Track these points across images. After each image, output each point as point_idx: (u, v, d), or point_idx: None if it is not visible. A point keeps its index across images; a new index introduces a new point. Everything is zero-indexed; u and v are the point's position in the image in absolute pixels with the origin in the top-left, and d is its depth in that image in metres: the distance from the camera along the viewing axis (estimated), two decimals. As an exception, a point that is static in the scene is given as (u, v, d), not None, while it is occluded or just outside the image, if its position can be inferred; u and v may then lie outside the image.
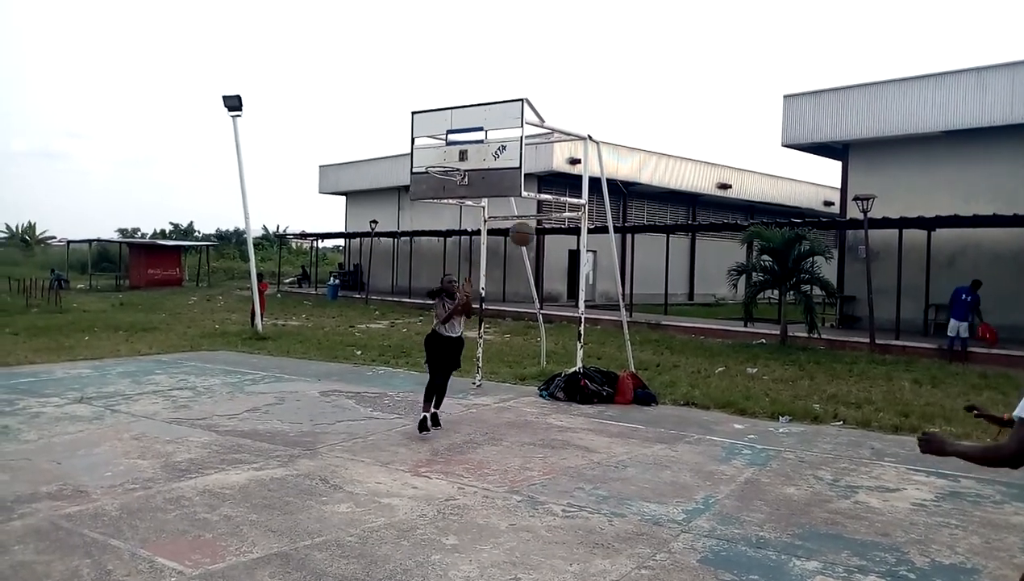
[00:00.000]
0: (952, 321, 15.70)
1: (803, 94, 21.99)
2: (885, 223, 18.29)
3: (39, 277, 32.52)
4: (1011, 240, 18.73)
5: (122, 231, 65.77)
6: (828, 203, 38.31)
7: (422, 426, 8.27)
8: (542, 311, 15.04)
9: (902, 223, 18.12)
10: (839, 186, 22.86)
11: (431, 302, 8.90)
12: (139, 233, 66.05)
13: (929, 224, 18.14)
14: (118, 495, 6.02)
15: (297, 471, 6.82)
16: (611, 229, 12.94)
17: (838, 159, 22.66)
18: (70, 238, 45.86)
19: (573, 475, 6.90)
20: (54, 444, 7.62)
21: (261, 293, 19.48)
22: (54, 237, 61.28)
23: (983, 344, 15.92)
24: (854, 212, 18.80)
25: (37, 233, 65.59)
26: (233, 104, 18.57)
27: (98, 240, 45.53)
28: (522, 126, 10.03)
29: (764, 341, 18.30)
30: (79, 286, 38.68)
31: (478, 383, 11.67)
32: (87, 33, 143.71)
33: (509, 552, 5.01)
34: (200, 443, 7.75)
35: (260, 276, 19.91)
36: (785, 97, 22.22)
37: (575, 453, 7.74)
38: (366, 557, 4.87)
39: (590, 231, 12.10)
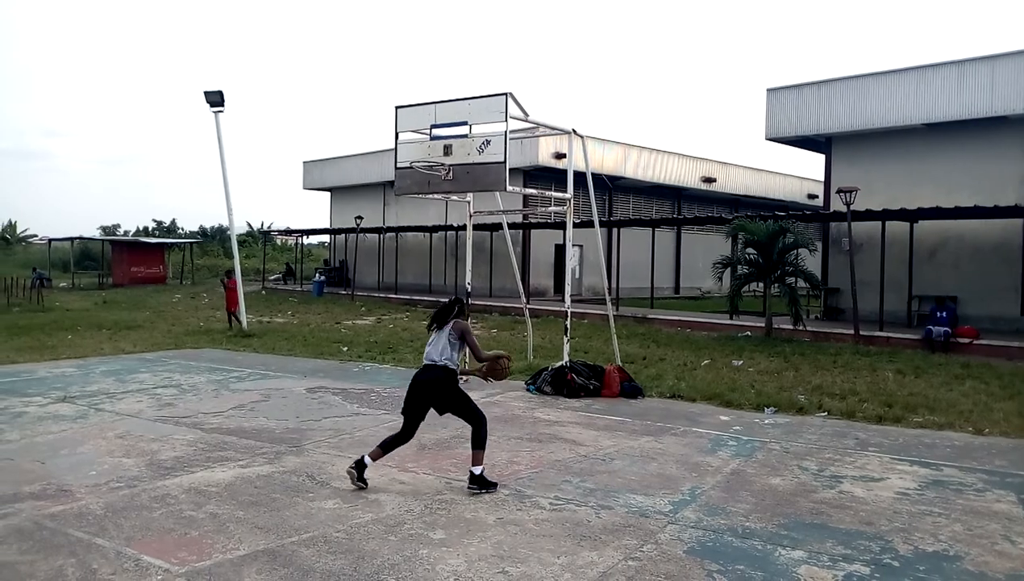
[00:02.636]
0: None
1: (786, 88, 22.09)
2: (868, 215, 18.41)
3: (20, 276, 32.21)
4: (992, 232, 18.91)
5: (104, 229, 65.17)
6: (812, 196, 38.54)
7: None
8: (528, 306, 15.05)
9: (885, 215, 18.24)
10: (822, 179, 22.99)
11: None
12: (120, 230, 65.44)
13: (911, 216, 18.28)
14: (103, 494, 5.97)
15: (283, 468, 6.80)
16: (597, 223, 12.95)
17: (821, 152, 22.77)
18: (52, 236, 45.42)
19: (560, 468, 6.91)
20: (37, 443, 7.55)
21: (232, 290, 19.18)
22: (35, 235, 60.64)
23: (966, 337, 16.14)
24: (837, 205, 18.91)
25: (18, 232, 64.83)
26: (215, 100, 18.42)
27: (80, 238, 45.07)
28: (506, 120, 10.01)
29: (749, 333, 18.40)
30: (61, 285, 38.33)
31: (465, 379, 11.65)
32: (66, 29, 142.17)
33: (497, 545, 5.02)
34: (185, 441, 7.71)
35: (229, 273, 19.63)
36: (768, 91, 22.31)
37: (562, 446, 7.76)
38: (353, 552, 4.86)
39: (576, 225, 12.12)
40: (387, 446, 6.31)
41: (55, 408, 9.23)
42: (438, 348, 6.26)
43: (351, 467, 6.21)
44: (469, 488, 6.14)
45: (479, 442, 6.18)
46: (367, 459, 6.22)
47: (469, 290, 12.70)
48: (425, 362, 6.30)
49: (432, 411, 6.35)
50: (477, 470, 6.14)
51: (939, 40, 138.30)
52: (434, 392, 6.23)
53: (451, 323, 6.32)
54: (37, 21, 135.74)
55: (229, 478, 6.44)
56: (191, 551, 4.85)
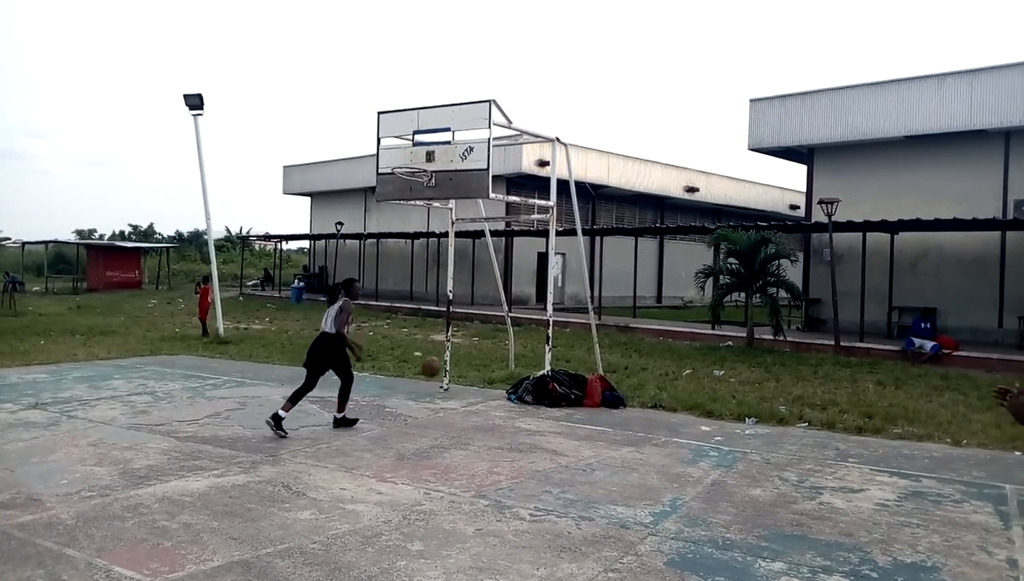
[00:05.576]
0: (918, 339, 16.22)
1: (769, 99, 22.27)
2: (849, 226, 18.58)
3: (-7, 279, 31.65)
4: (972, 244, 19.15)
5: (79, 232, 64.41)
6: (794, 207, 38.89)
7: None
8: (510, 314, 15.00)
9: (866, 226, 18.41)
10: (804, 190, 23.18)
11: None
12: (96, 234, 64.68)
13: (892, 227, 18.46)
14: (74, 503, 5.84)
15: (259, 477, 6.69)
16: (579, 231, 12.94)
17: (803, 163, 22.97)
18: (25, 240, 44.84)
19: (541, 479, 6.86)
20: (6, 451, 7.38)
21: (203, 297, 18.95)
22: (8, 238, 59.78)
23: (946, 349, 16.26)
24: (819, 216, 19.06)
25: (-10, 234, 63.86)
26: (194, 103, 18.24)
27: (55, 241, 44.50)
28: (490, 127, 9.98)
29: (731, 343, 18.46)
30: (35, 289, 37.79)
31: (445, 387, 11.58)
32: (56, 30, 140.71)
33: (475, 557, 4.95)
34: (159, 449, 7.57)
35: (205, 278, 19.41)
36: (751, 101, 22.48)
37: (543, 456, 7.70)
38: (329, 564, 4.78)
39: (559, 233, 12.09)
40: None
41: (26, 415, 9.04)
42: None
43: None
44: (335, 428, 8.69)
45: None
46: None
47: (451, 298, 12.63)
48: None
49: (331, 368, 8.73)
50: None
51: (919, 54, 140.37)
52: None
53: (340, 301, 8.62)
54: (27, 22, 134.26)
55: (203, 487, 6.33)
56: (164, 562, 4.75)
